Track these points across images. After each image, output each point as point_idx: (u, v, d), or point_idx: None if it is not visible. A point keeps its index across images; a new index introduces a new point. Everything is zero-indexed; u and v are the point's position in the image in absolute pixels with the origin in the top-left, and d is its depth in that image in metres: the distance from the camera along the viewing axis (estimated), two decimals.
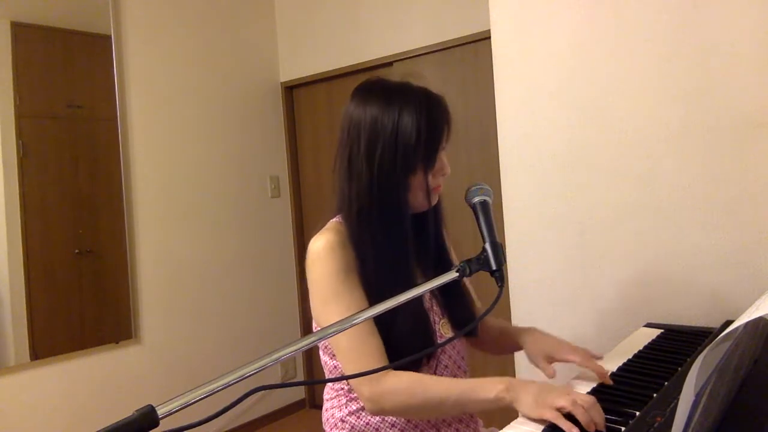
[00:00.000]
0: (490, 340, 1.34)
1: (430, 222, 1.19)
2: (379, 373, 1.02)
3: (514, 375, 1.86)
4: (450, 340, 1.17)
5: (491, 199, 1.00)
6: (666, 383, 1.07)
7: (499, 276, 0.89)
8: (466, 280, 1.24)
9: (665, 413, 0.92)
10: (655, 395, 1.02)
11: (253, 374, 0.60)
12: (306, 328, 3.56)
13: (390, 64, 3.06)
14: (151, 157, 2.91)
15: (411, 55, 2.96)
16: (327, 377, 1.20)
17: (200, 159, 3.13)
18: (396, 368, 1.06)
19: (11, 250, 2.42)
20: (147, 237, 2.87)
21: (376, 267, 1.09)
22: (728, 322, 1.42)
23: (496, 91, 1.89)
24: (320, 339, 0.68)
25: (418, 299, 1.12)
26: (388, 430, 1.13)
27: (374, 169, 1.09)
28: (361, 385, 1.04)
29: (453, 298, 1.21)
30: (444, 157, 1.15)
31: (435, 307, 1.19)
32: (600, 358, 1.21)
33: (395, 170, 1.09)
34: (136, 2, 2.88)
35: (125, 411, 0.56)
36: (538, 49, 1.79)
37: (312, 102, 3.53)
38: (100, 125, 2.73)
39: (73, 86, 2.65)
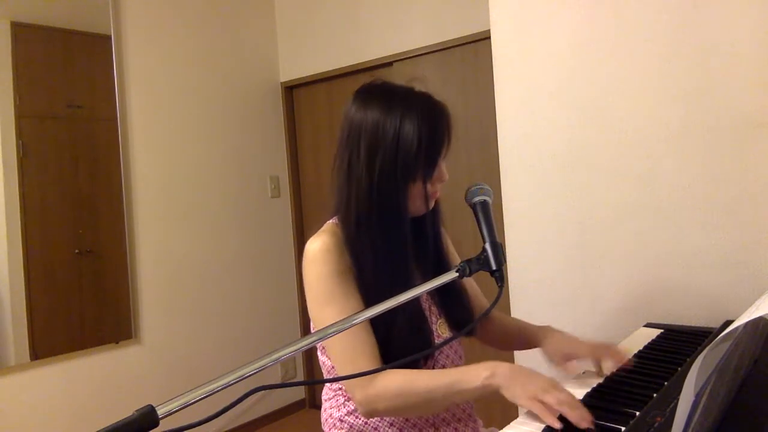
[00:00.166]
0: (500, 337, 1.34)
1: (428, 225, 1.20)
2: (371, 375, 1.02)
3: None
4: (449, 340, 1.17)
5: (491, 199, 1.00)
6: (666, 383, 1.07)
7: (499, 276, 0.89)
8: (472, 279, 1.24)
9: (665, 413, 0.92)
10: (655, 395, 1.02)
11: (253, 374, 0.60)
12: (306, 328, 3.54)
13: (390, 64, 3.06)
14: (151, 157, 2.91)
15: (411, 55, 2.96)
16: (325, 377, 1.20)
17: (200, 159, 3.13)
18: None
19: (11, 250, 2.42)
20: (147, 237, 2.87)
21: (375, 271, 1.09)
22: (728, 322, 1.42)
23: (496, 91, 1.89)
24: (320, 339, 0.68)
25: (416, 300, 1.12)
26: (386, 429, 1.13)
27: (374, 175, 1.08)
28: (354, 389, 1.04)
29: (450, 298, 1.21)
30: (443, 166, 1.14)
31: (432, 307, 1.19)
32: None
33: (395, 177, 1.08)
34: (136, 2, 2.88)
35: (125, 411, 0.56)
36: (538, 49, 1.79)
37: (312, 102, 3.53)
38: (100, 125, 2.73)
39: (73, 86, 2.65)
